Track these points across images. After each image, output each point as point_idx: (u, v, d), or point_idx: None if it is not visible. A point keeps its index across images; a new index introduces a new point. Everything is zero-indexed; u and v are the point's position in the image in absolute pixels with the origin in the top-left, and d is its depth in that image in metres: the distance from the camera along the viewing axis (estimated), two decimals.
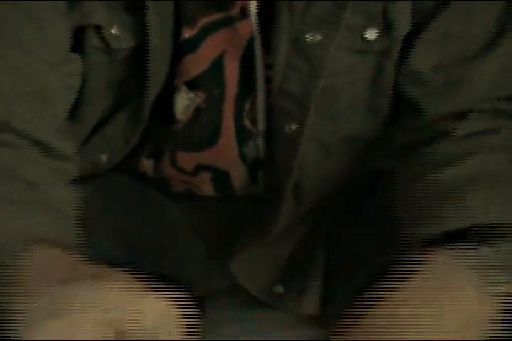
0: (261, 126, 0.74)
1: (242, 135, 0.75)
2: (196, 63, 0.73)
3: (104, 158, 0.78)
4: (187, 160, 0.78)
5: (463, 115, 0.70)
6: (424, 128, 0.71)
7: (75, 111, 0.76)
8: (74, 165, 0.71)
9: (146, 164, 0.81)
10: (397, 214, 0.67)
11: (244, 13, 0.70)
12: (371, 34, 0.69)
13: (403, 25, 0.69)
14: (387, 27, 0.69)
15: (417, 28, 0.70)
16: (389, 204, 0.69)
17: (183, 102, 0.75)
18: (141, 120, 0.74)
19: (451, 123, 0.69)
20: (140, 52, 0.71)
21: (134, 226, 0.80)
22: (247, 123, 0.75)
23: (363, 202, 0.77)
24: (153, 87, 0.73)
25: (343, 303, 0.74)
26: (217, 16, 0.71)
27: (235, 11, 0.71)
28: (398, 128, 0.73)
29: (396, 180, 0.70)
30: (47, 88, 0.70)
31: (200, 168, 0.78)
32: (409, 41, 0.70)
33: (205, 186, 0.80)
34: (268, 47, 0.71)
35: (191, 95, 0.74)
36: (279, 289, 0.79)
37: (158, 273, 0.59)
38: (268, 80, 0.72)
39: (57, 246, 0.58)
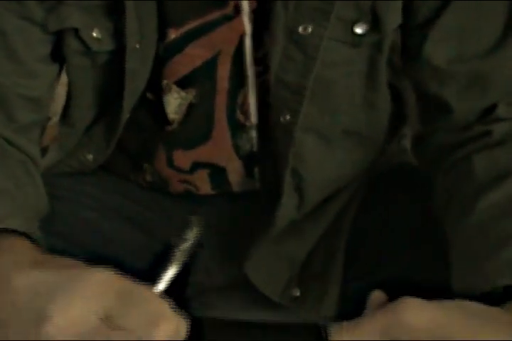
0: (253, 119, 0.75)
1: (235, 127, 0.76)
2: (184, 63, 0.74)
3: (90, 157, 0.81)
4: (183, 158, 0.78)
5: (491, 109, 0.70)
6: (458, 131, 0.71)
7: (66, 115, 0.78)
8: (35, 164, 0.74)
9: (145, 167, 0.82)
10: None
11: (237, 11, 0.71)
12: (360, 28, 0.70)
13: (392, 20, 0.70)
14: (376, 22, 0.70)
15: (428, 24, 0.70)
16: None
17: (176, 102, 0.76)
18: (120, 123, 0.75)
19: (485, 125, 0.70)
20: (121, 55, 0.72)
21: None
22: (239, 116, 0.75)
23: (387, 202, 0.78)
24: (132, 91, 0.74)
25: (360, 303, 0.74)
26: (211, 17, 0.72)
27: (228, 10, 0.71)
28: (432, 129, 0.74)
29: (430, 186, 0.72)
30: (4, 95, 0.72)
31: (196, 166, 0.79)
32: (422, 37, 0.71)
33: (203, 184, 0.80)
34: (258, 43, 0.72)
35: (183, 94, 0.75)
36: (296, 292, 0.78)
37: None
38: (258, 75, 0.73)
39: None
